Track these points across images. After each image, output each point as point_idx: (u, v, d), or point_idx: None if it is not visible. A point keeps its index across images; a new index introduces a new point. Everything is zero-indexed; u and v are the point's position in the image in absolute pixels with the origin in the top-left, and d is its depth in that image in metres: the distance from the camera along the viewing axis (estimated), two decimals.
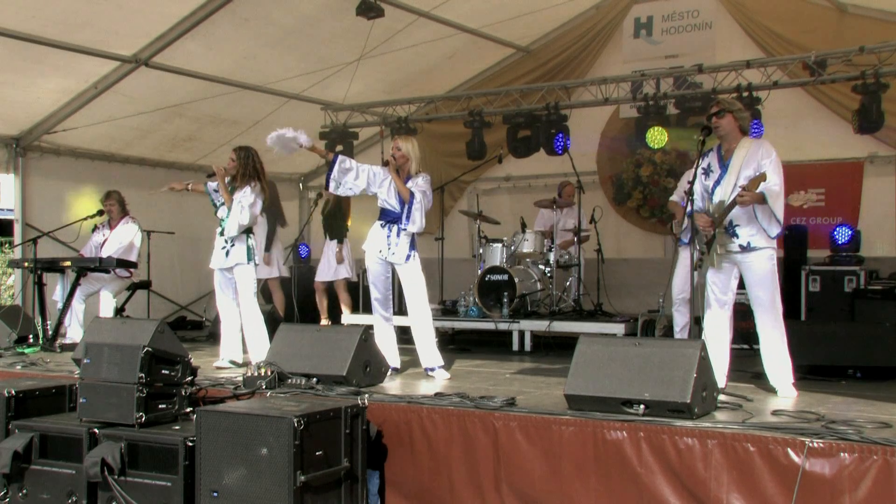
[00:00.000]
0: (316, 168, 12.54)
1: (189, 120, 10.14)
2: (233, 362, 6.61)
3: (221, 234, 6.59)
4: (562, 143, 9.31)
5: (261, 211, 6.76)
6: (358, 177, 6.11)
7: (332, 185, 6.11)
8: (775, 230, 5.10)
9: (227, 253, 6.55)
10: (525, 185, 11.39)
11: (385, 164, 6.17)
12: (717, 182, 5.24)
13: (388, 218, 6.16)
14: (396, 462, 4.72)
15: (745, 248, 5.15)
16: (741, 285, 5.34)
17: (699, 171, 5.31)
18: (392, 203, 6.14)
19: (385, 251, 6.12)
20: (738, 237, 5.16)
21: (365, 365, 5.54)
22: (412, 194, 6.06)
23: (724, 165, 5.25)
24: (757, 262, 5.14)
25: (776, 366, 5.20)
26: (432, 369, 6.07)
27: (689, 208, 5.12)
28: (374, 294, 6.25)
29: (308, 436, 4.03)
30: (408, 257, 6.12)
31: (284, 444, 3.97)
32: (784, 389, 5.15)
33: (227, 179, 6.61)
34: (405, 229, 6.10)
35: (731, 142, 5.26)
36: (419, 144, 6.34)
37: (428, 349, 6.11)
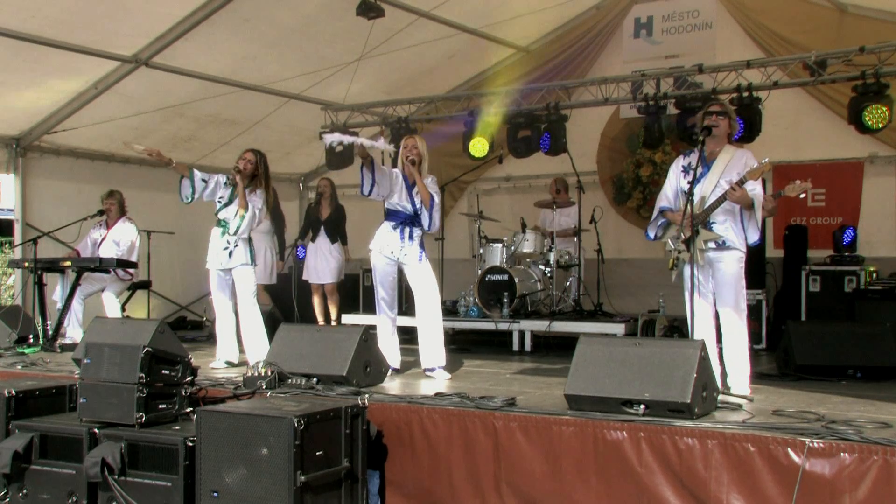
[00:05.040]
0: (316, 168, 12.53)
1: (189, 120, 10.14)
2: (228, 363, 6.63)
3: (224, 233, 6.58)
4: (548, 143, 9.27)
5: (265, 214, 6.85)
6: (386, 178, 6.04)
7: (369, 189, 5.97)
8: (754, 236, 5.17)
9: (231, 253, 6.55)
10: (525, 185, 11.38)
11: (395, 163, 6.15)
12: (698, 180, 5.27)
13: (399, 219, 6.14)
14: (396, 462, 4.72)
15: (720, 246, 5.20)
16: None
17: (679, 169, 5.38)
18: (404, 205, 6.13)
19: (397, 252, 6.11)
20: (713, 232, 5.22)
21: (365, 365, 5.54)
22: (432, 197, 6.11)
23: (706, 166, 5.31)
24: (727, 262, 5.20)
25: (735, 365, 5.22)
26: (432, 369, 6.06)
27: (688, 207, 5.13)
28: (382, 295, 6.21)
29: (308, 436, 4.03)
30: (420, 257, 6.13)
31: (284, 444, 3.97)
32: (739, 388, 5.14)
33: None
34: (427, 230, 6.17)
35: (717, 145, 5.33)
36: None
37: (435, 348, 6.08)
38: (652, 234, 5.58)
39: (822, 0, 9.40)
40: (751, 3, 9.90)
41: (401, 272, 6.26)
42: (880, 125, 7.75)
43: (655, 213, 5.54)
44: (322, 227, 9.35)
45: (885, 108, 7.67)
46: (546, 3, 9.57)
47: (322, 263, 9.28)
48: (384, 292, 6.21)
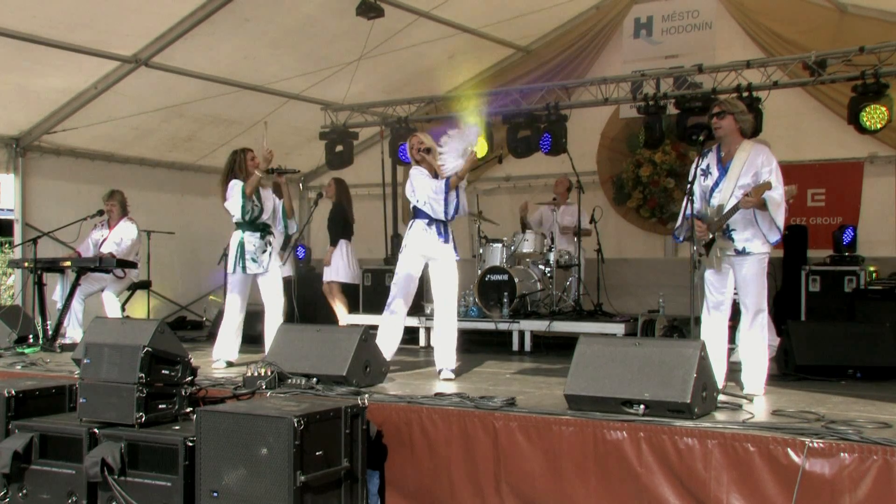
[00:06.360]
0: (316, 168, 12.52)
1: (189, 120, 10.14)
2: (229, 363, 6.64)
3: (264, 235, 6.63)
4: (548, 143, 9.27)
5: None
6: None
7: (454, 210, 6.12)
8: (775, 237, 5.11)
9: (271, 255, 6.68)
10: (525, 185, 11.39)
11: (419, 159, 6.10)
12: (716, 185, 5.23)
13: (431, 217, 6.07)
14: (396, 462, 4.72)
15: (740, 253, 5.16)
16: None
17: (698, 170, 5.31)
18: None
19: (437, 250, 6.05)
20: (733, 241, 5.17)
21: (365, 365, 5.54)
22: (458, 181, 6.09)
23: (722, 169, 5.23)
24: (748, 265, 5.15)
25: (750, 366, 5.20)
26: (440, 370, 6.04)
27: (689, 209, 5.12)
28: (404, 293, 6.15)
29: (308, 436, 4.03)
30: (457, 254, 6.14)
31: (284, 444, 3.97)
32: (752, 389, 5.12)
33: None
34: (457, 214, 6.14)
35: (731, 144, 5.24)
36: None
37: (452, 349, 6.08)
38: (681, 238, 5.51)
39: (822, 0, 9.40)
40: (751, 3, 9.90)
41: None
42: (879, 125, 7.76)
43: (681, 219, 5.42)
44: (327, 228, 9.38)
45: (884, 109, 7.69)
46: (546, 3, 9.57)
47: (331, 262, 9.31)
48: (408, 291, 6.16)
